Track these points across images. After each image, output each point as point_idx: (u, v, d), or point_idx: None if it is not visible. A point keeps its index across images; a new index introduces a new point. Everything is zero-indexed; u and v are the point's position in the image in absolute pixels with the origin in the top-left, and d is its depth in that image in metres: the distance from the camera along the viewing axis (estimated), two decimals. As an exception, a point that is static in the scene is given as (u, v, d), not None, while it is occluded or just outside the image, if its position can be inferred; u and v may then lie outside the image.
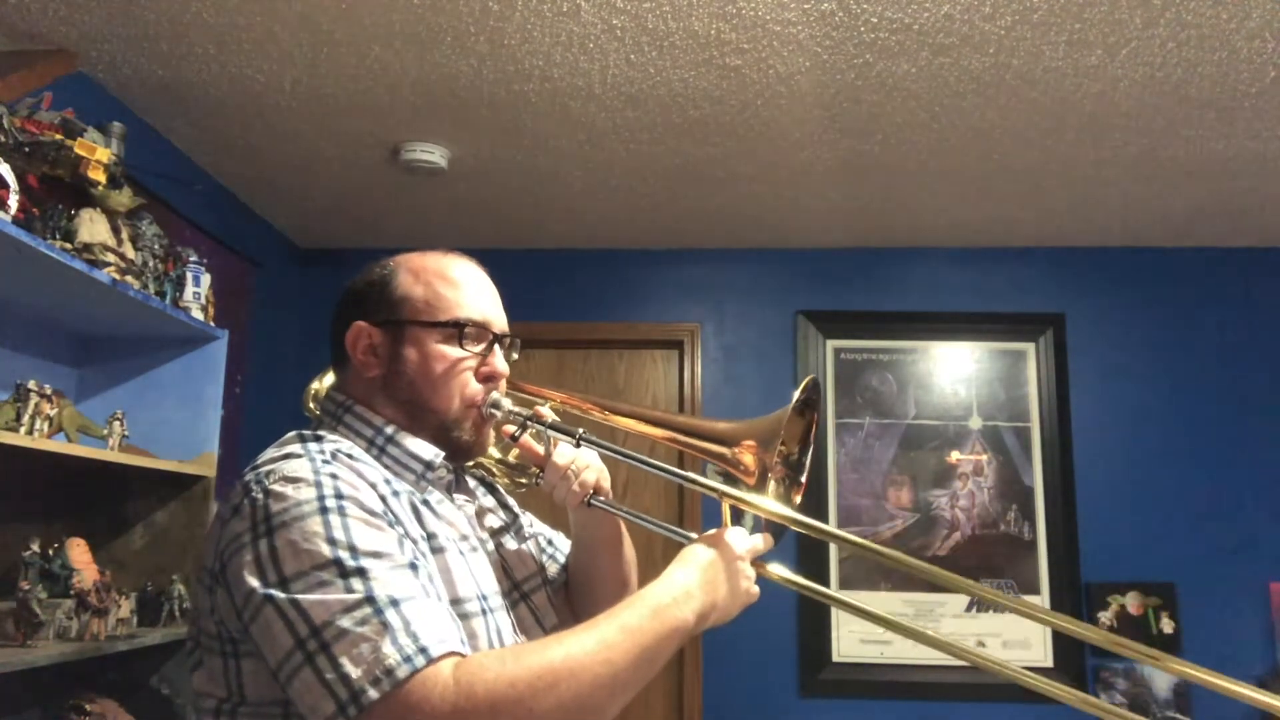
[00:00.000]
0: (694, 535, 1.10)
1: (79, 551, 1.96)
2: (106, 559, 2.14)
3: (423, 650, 0.82)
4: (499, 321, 1.15)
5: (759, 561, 1.10)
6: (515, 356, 1.18)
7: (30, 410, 1.82)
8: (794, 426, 1.16)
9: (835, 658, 3.08)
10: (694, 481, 1.11)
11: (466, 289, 1.12)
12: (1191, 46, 2.03)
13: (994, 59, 2.10)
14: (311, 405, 1.32)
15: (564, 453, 1.16)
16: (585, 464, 1.16)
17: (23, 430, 1.80)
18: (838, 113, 2.36)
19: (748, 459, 1.14)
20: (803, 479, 1.20)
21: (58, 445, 1.82)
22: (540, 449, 1.17)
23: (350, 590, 0.84)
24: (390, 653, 0.81)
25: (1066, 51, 2.06)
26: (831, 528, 1.15)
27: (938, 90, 2.24)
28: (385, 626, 0.82)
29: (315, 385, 1.34)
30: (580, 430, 1.14)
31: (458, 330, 1.09)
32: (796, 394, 1.14)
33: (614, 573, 1.23)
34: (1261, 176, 2.69)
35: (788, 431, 1.14)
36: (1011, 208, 2.98)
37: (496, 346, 1.13)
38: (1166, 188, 2.79)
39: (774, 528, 1.16)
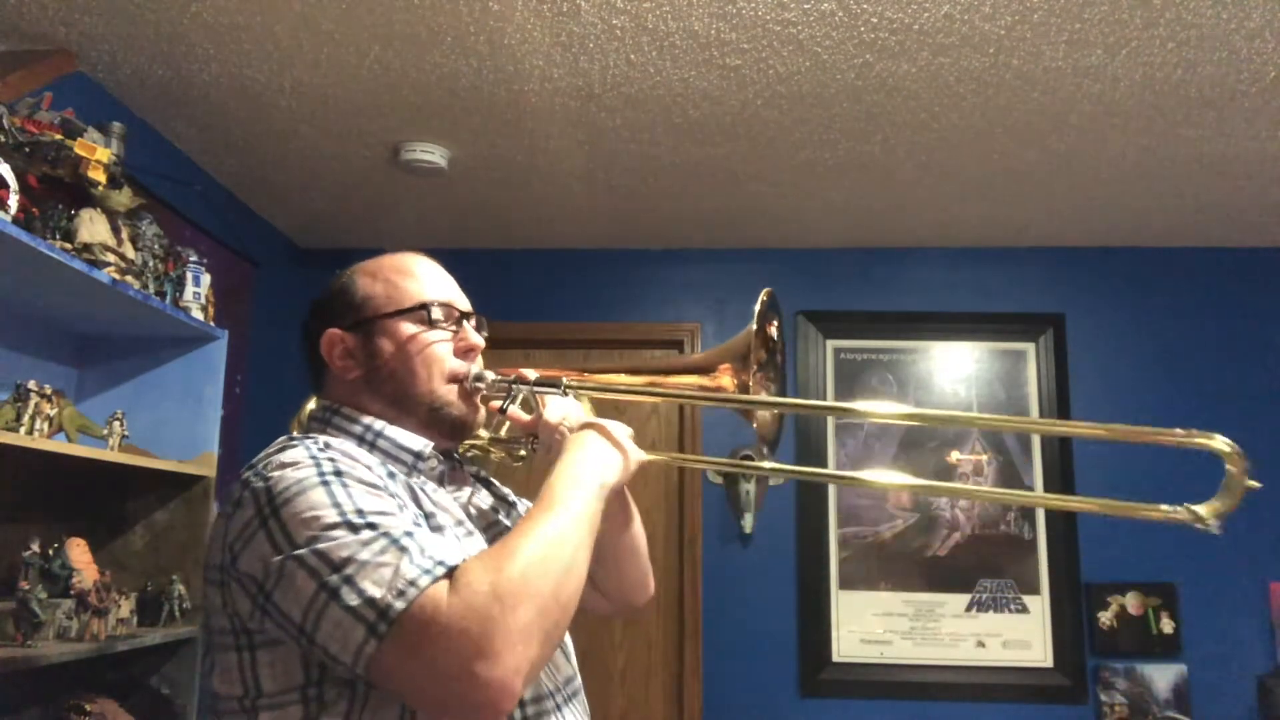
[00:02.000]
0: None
1: (79, 551, 1.96)
2: (106, 559, 2.14)
3: (440, 563, 0.85)
4: (462, 301, 1.17)
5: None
6: (485, 333, 1.19)
7: (30, 410, 1.82)
8: (761, 337, 1.20)
9: (835, 658, 3.08)
10: (690, 398, 1.18)
11: (423, 276, 1.15)
12: (1191, 46, 2.03)
13: (994, 59, 2.10)
14: (296, 431, 1.33)
15: (554, 410, 1.18)
16: (577, 418, 1.17)
17: (23, 430, 1.80)
18: (838, 113, 2.36)
19: (726, 381, 1.18)
20: (779, 361, 1.24)
21: (58, 445, 1.82)
22: (529, 416, 1.19)
23: (362, 536, 0.86)
24: (409, 569, 0.83)
25: (1066, 51, 2.06)
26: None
27: (938, 90, 2.24)
28: (404, 550, 0.85)
29: (301, 414, 1.35)
30: (564, 379, 1.16)
31: (425, 311, 1.11)
32: (756, 309, 1.19)
33: (624, 537, 1.23)
34: (1261, 176, 2.69)
35: (756, 343, 1.18)
36: (1011, 208, 2.99)
37: (465, 323, 1.15)
38: (1166, 188, 2.80)
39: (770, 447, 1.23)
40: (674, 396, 1.18)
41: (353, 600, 0.82)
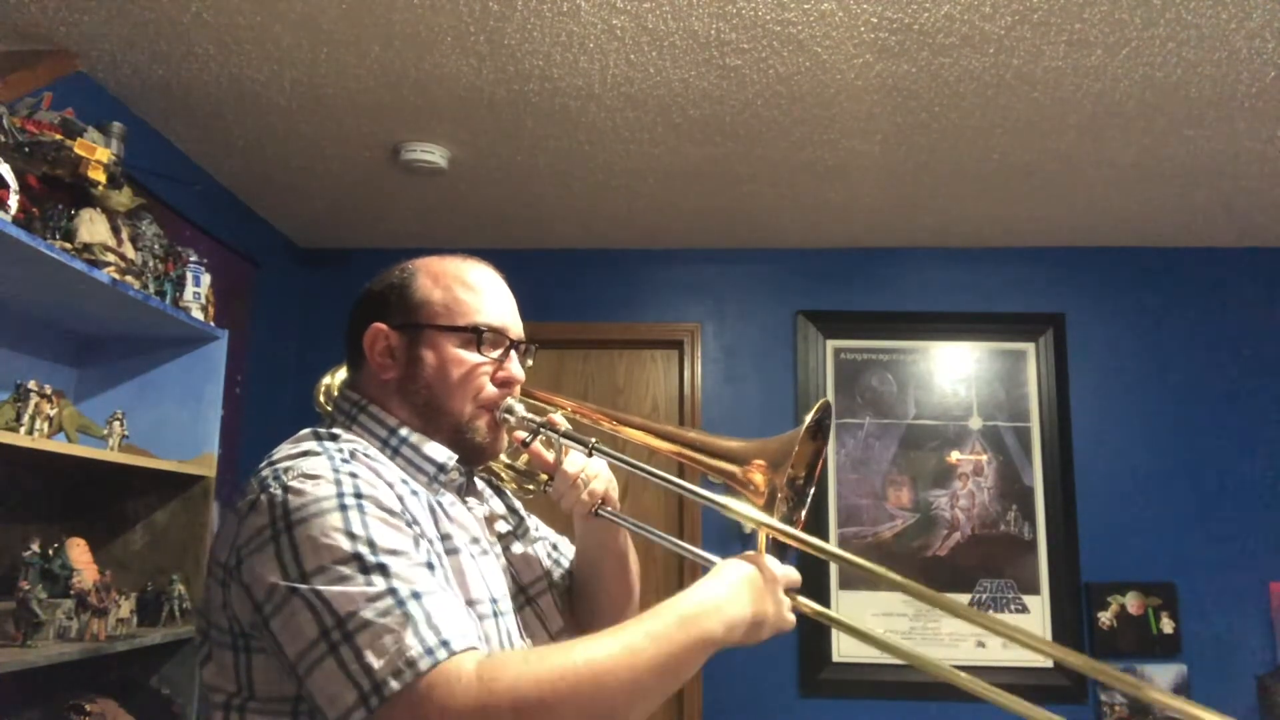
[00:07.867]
0: (711, 557, 1.07)
1: (79, 551, 1.96)
2: (106, 559, 2.14)
3: (445, 643, 0.83)
4: (515, 328, 1.16)
5: (792, 594, 1.08)
6: (530, 363, 1.18)
7: (30, 410, 1.82)
8: (804, 450, 1.16)
9: (835, 658, 3.08)
10: (711, 501, 1.10)
11: (485, 294, 1.14)
12: (1191, 46, 2.03)
13: (994, 59, 2.10)
14: (322, 400, 1.32)
15: (575, 461, 1.17)
16: (595, 473, 1.17)
17: (23, 430, 1.80)
18: (837, 113, 2.36)
19: (757, 478, 1.13)
20: (803, 512, 1.19)
21: (58, 445, 1.82)
22: (550, 456, 1.18)
23: (372, 584, 0.85)
24: (413, 644, 0.81)
25: (1066, 51, 2.06)
26: (838, 549, 1.14)
27: (938, 90, 2.24)
28: (408, 618, 0.83)
29: (327, 380, 1.34)
30: (593, 440, 1.15)
31: (476, 335, 1.10)
32: (810, 416, 1.14)
33: (618, 583, 1.23)
34: (1261, 176, 2.69)
35: (798, 455, 1.13)
36: (1011, 208, 2.98)
37: (513, 352, 1.14)
38: (1166, 188, 2.79)
39: (778, 547, 1.15)
40: (694, 495, 1.10)
41: (350, 664, 0.81)
